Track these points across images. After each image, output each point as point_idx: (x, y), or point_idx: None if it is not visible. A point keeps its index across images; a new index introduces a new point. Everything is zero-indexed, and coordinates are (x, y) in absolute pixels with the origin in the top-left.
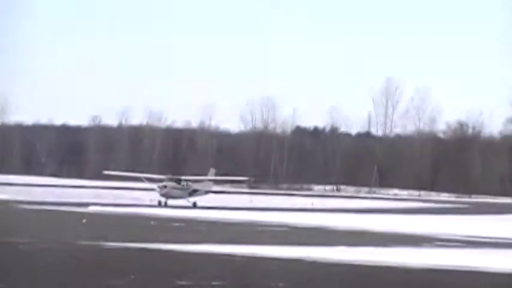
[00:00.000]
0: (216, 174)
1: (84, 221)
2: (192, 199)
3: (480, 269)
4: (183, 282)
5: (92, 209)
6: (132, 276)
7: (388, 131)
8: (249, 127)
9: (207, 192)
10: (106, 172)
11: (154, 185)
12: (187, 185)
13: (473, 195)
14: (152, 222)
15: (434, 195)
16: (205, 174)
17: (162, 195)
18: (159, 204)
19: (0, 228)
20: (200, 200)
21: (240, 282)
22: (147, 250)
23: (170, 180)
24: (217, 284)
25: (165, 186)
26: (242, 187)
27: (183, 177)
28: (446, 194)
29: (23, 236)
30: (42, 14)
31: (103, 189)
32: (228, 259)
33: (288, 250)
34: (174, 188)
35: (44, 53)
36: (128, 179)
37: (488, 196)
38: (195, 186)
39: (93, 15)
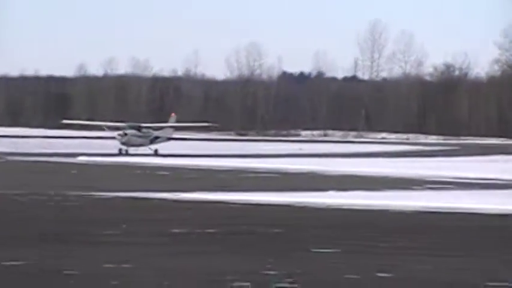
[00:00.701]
0: (179, 121)
1: (73, 171)
2: (153, 146)
3: (471, 210)
4: (176, 230)
5: (80, 159)
6: (124, 226)
7: (374, 75)
8: (235, 74)
9: (169, 139)
10: (65, 121)
11: (115, 133)
12: (148, 132)
13: (461, 137)
14: (138, 172)
15: (422, 138)
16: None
17: (123, 143)
18: (120, 153)
19: None
20: (162, 147)
21: (234, 229)
22: (138, 199)
23: (130, 127)
24: (212, 232)
25: (125, 134)
26: (230, 134)
27: (143, 124)
28: (434, 137)
29: (14, 188)
30: None
31: (90, 139)
32: (221, 206)
33: (279, 196)
34: (135, 135)
35: (27, 4)
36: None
37: (476, 137)
38: (157, 133)
39: None
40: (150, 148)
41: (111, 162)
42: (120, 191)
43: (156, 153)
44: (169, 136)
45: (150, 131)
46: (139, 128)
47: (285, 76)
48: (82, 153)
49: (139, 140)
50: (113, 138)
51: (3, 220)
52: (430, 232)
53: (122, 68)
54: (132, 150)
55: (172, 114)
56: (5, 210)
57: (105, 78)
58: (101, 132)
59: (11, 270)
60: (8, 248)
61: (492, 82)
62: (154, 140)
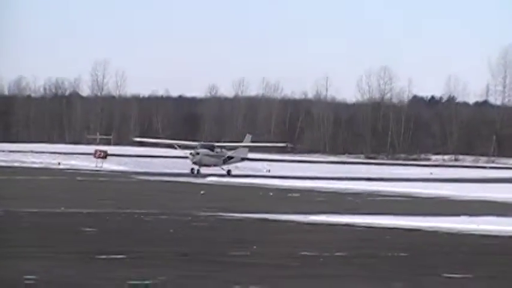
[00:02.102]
0: (253, 140)
1: (202, 192)
2: (226, 167)
3: None
4: (305, 253)
5: (209, 179)
6: (255, 247)
7: (506, 100)
8: (365, 97)
9: (243, 159)
10: (136, 139)
11: (187, 152)
12: (221, 151)
13: None
14: (271, 194)
15: None
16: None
17: (194, 163)
18: (192, 173)
19: (122, 199)
20: (235, 167)
21: (363, 252)
22: (266, 221)
23: (203, 147)
24: (341, 255)
25: (198, 154)
26: (360, 158)
27: (216, 144)
28: None
29: (144, 207)
30: None
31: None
32: (349, 229)
33: (409, 220)
34: (207, 155)
35: (160, 26)
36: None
37: None
38: (230, 153)
39: None
40: (222, 168)
41: (240, 183)
42: (251, 212)
43: (228, 174)
44: (243, 156)
45: (224, 150)
46: (212, 148)
47: (416, 100)
48: (210, 174)
49: (212, 160)
50: (186, 157)
51: (140, 239)
52: None
53: (253, 90)
54: (204, 170)
55: (248, 134)
56: (139, 229)
57: (236, 99)
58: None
59: None
60: (147, 266)
61: None
62: (227, 160)
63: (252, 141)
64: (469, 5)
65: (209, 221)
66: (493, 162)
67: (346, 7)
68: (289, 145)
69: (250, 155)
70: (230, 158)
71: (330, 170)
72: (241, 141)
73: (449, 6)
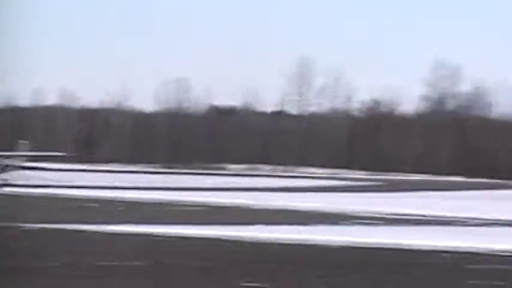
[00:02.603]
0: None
1: None
2: (2, 176)
3: (401, 247)
4: (103, 263)
5: (5, 190)
6: (49, 258)
7: (303, 109)
8: (163, 107)
9: (19, 168)
10: None
11: None
12: None
13: (388, 173)
14: (69, 204)
15: (349, 173)
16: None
17: None
18: None
19: None
20: (15, 177)
21: (162, 262)
22: (63, 231)
23: None
24: (139, 264)
25: None
26: (156, 167)
27: None
28: (361, 172)
29: None
30: None
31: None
32: (148, 239)
33: (206, 229)
34: None
35: None
36: None
37: (403, 174)
38: (7, 161)
39: None
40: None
41: (38, 193)
42: (45, 222)
43: (5, 184)
44: (20, 165)
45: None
46: None
47: (213, 110)
48: (7, 184)
49: None
50: None
51: None
52: (357, 268)
53: (50, 99)
54: None
55: (23, 141)
56: None
57: (33, 109)
58: None
59: None
60: None
61: (420, 119)
62: (5, 168)
63: (45, 150)
64: (266, 16)
65: (7, 234)
66: (290, 171)
67: (142, 17)
68: (70, 155)
69: (50, 165)
70: (7, 166)
71: (129, 180)
72: (36, 150)
73: (240, 15)
